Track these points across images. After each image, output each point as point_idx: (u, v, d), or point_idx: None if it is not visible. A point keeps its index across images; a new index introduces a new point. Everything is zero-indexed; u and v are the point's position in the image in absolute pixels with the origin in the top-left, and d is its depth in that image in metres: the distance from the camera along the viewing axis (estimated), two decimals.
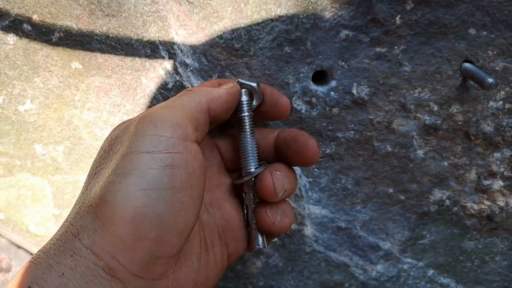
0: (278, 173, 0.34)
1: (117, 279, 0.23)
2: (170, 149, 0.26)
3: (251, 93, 0.36)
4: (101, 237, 0.23)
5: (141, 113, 0.29)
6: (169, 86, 0.41)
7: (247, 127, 0.36)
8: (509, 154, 0.43)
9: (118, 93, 0.41)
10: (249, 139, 0.36)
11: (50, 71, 0.41)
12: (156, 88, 0.41)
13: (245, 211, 0.36)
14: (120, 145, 0.27)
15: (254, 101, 0.36)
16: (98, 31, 0.40)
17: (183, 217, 0.26)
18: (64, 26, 0.40)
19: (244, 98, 0.36)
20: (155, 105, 0.42)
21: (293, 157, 0.35)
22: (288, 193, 0.34)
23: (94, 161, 0.30)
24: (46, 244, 0.25)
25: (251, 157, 0.35)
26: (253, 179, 0.35)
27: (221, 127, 0.41)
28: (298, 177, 0.43)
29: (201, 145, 0.29)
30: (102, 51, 0.40)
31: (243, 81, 0.36)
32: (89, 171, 0.29)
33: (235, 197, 0.37)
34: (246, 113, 0.36)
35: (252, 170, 0.35)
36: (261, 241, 0.36)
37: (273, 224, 0.34)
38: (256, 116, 0.37)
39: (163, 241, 0.24)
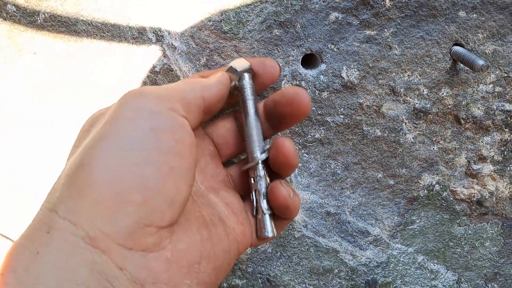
0: (290, 141, 0.33)
1: (99, 250, 0.20)
2: (155, 115, 0.24)
3: (252, 75, 0.35)
4: (79, 204, 0.21)
5: None
6: (157, 69, 0.40)
7: (252, 112, 0.34)
8: (499, 138, 0.42)
9: (104, 76, 0.41)
10: (254, 124, 0.34)
11: (34, 53, 0.41)
12: (143, 71, 0.40)
13: (253, 198, 0.34)
14: (103, 118, 0.25)
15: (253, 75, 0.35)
16: (84, 12, 0.39)
17: (173, 183, 0.23)
18: (49, 7, 0.39)
19: (248, 82, 0.34)
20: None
21: (286, 112, 0.33)
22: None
23: (73, 144, 0.27)
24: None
25: (257, 142, 0.34)
26: (260, 163, 0.34)
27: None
28: None
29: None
30: (88, 33, 0.40)
31: (235, 67, 0.34)
32: (68, 156, 0.27)
33: (232, 188, 0.36)
34: (251, 97, 0.34)
35: (258, 155, 0.34)
36: (270, 229, 0.34)
37: (289, 197, 0.32)
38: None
39: (151, 207, 0.22)
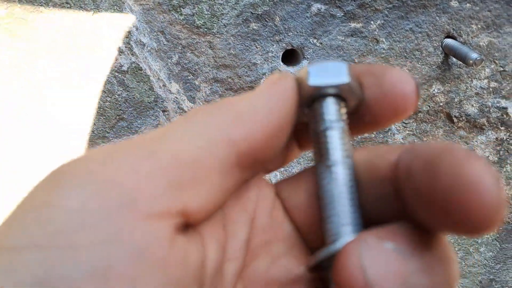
0: (386, 244, 0.12)
1: None
2: (81, 232, 0.10)
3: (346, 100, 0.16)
4: None
5: None
6: (124, 68, 0.37)
7: (334, 155, 0.15)
8: (494, 137, 0.40)
9: (68, 78, 0.38)
10: (338, 179, 0.15)
11: None
12: (109, 70, 0.38)
13: None
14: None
15: (348, 101, 0.15)
16: (44, 8, 0.36)
17: None
18: (5, 3, 0.36)
19: (327, 103, 0.15)
20: (108, 89, 0.39)
21: (432, 212, 0.12)
22: None
23: None
24: None
25: (342, 214, 0.15)
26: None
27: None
28: None
29: (231, 210, 0.14)
30: (49, 30, 0.37)
31: (314, 82, 0.14)
32: None
33: None
34: (331, 126, 0.15)
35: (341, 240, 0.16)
36: None
37: None
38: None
39: None
